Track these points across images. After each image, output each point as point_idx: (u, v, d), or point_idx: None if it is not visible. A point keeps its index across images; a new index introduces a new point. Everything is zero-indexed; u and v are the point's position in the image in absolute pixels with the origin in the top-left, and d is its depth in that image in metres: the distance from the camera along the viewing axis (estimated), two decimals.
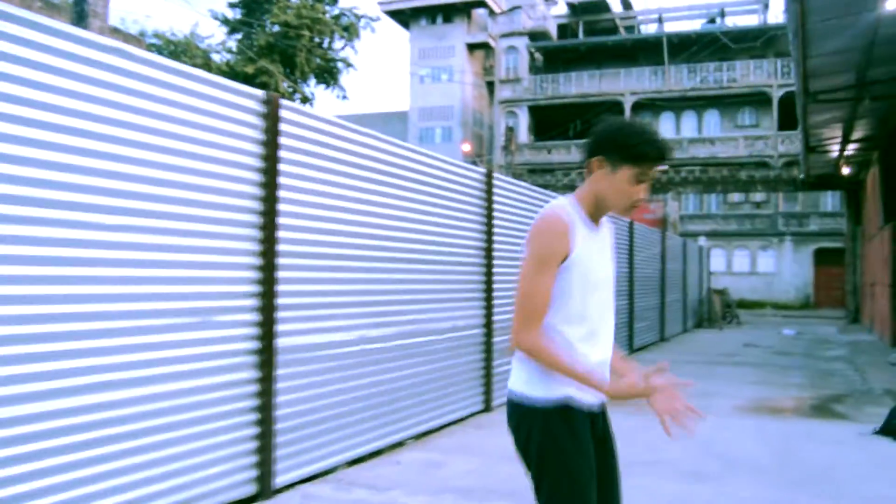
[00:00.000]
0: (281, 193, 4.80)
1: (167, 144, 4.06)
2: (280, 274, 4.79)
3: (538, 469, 2.30)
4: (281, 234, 4.80)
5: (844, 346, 16.14)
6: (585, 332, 2.34)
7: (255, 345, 4.65)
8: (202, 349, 4.29)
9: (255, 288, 4.65)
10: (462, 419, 7.12)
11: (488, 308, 7.57)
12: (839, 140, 18.21)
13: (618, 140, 2.27)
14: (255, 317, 4.64)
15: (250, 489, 4.61)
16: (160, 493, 4.00)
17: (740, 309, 27.14)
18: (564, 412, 2.30)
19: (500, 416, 7.40)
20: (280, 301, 4.79)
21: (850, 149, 19.24)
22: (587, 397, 2.35)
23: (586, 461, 2.30)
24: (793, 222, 37.94)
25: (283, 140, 4.84)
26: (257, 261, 4.65)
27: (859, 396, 9.17)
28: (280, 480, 4.80)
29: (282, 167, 4.82)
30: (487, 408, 7.59)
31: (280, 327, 4.80)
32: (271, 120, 4.73)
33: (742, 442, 6.55)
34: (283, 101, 4.86)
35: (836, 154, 20.12)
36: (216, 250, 4.38)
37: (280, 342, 4.81)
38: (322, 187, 5.23)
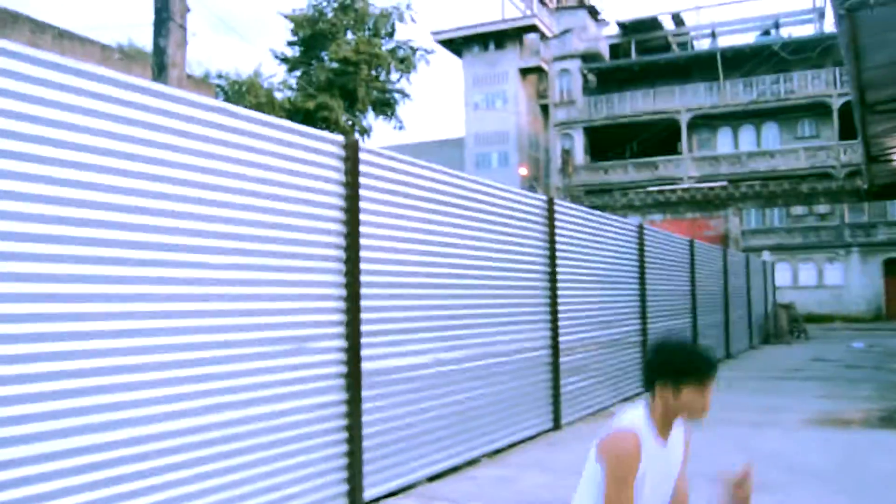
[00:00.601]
0: (362, 230, 5.25)
1: (267, 191, 4.55)
2: (363, 303, 5.22)
3: None
4: (363, 266, 5.23)
5: None
6: None
7: (343, 369, 5.08)
8: (297, 374, 4.73)
9: (342, 317, 5.09)
10: (532, 437, 7.43)
11: (554, 329, 7.90)
12: None
13: (677, 365, 2.50)
14: (342, 343, 5.08)
15: (342, 503, 5.01)
16: None
17: (808, 323, 26.75)
18: None
19: (569, 434, 7.70)
20: (364, 328, 5.22)
21: None
22: None
23: None
24: (859, 233, 37.18)
25: (363, 180, 5.29)
26: (343, 292, 5.10)
27: None
28: (368, 495, 5.19)
29: (363, 205, 5.27)
30: (557, 426, 7.88)
31: (364, 352, 5.22)
32: (352, 162, 5.20)
33: (807, 453, 6.71)
34: (362, 146, 5.33)
35: None
36: (307, 283, 4.84)
37: (365, 366, 5.23)
38: (398, 221, 5.68)
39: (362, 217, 5.27)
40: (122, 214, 3.75)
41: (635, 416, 2.55)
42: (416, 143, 48.03)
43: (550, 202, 8.03)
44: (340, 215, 5.14)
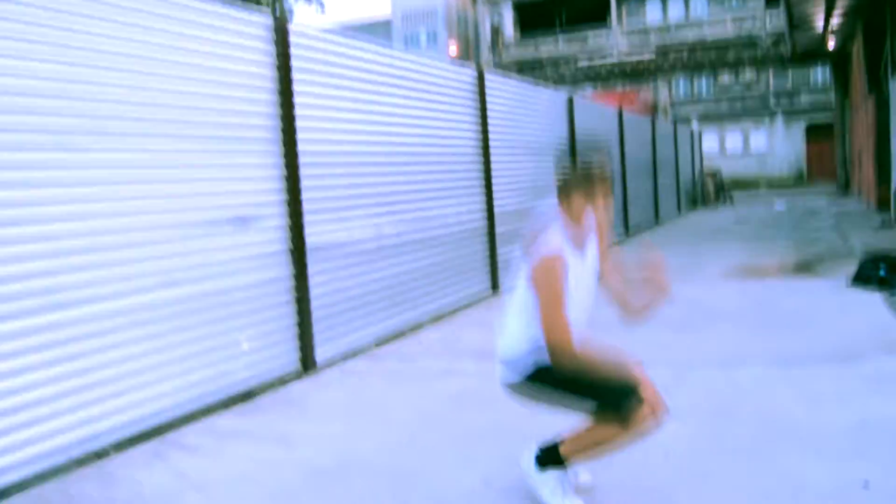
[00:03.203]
0: (297, 111, 5.37)
1: (199, 75, 4.63)
2: (304, 182, 5.40)
3: (553, 386, 2.90)
4: (301, 146, 5.38)
5: (832, 215, 16.82)
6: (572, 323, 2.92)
7: (288, 244, 5.30)
8: (244, 251, 4.95)
9: (283, 196, 5.27)
10: (472, 303, 7.84)
11: (489, 199, 8.21)
12: (823, 12, 18.40)
13: (583, 174, 2.87)
14: (285, 220, 5.28)
15: (296, 366, 5.35)
16: (222, 372, 4.73)
17: (735, 188, 27.78)
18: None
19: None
20: (305, 206, 5.42)
21: (834, 21, 19.43)
22: None
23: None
24: (784, 99, 38.12)
25: (295, 62, 5.38)
26: (283, 172, 5.26)
27: (839, 257, 9.87)
28: (321, 358, 5.53)
29: (296, 87, 5.38)
30: (495, 289, 8.31)
31: (308, 228, 5.44)
32: (282, 43, 5.26)
33: (725, 300, 7.30)
34: (292, 26, 5.38)
35: (821, 27, 20.30)
36: (246, 165, 4.99)
37: (309, 241, 5.45)
38: (332, 101, 5.82)
39: (297, 99, 5.37)
40: (51, 101, 3.80)
41: (555, 237, 2.87)
42: (341, 25, 46.66)
43: (481, 75, 8.17)
44: (274, 97, 5.24)
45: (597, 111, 12.91)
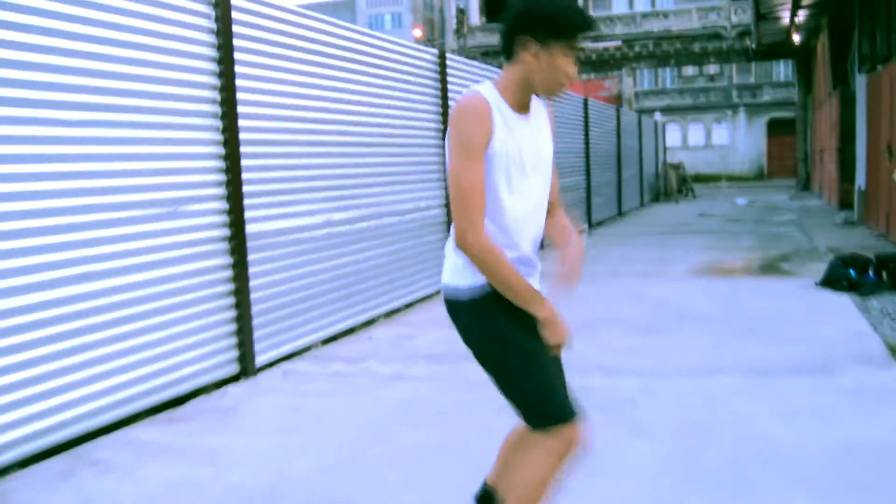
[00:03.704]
0: (239, 83, 4.86)
1: (119, 37, 4.09)
2: (244, 162, 4.91)
3: (484, 357, 2.20)
4: (242, 122, 4.89)
5: (794, 212, 16.74)
6: (510, 228, 2.13)
7: (225, 232, 4.81)
8: (175, 238, 4.45)
9: (221, 177, 4.78)
10: (429, 296, 7.42)
11: (447, 188, 7.76)
12: (789, 6, 18.26)
13: (546, 14, 2.03)
14: (223, 205, 4.79)
15: (233, 368, 4.87)
16: (148, 375, 4.23)
17: (696, 182, 27.71)
18: (493, 294, 2.11)
19: None
20: (246, 189, 4.93)
21: (801, 15, 19.32)
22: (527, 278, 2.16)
23: (528, 333, 2.12)
24: (746, 94, 38.26)
25: (237, 29, 4.86)
26: (220, 150, 4.76)
27: (805, 255, 9.66)
28: (261, 359, 5.06)
29: (238, 56, 4.86)
30: None
31: (248, 214, 4.95)
32: (223, 9, 4.74)
33: (692, 300, 6.97)
34: None
35: (787, 21, 20.19)
36: (178, 141, 4.47)
37: (249, 228, 4.97)
38: (279, 75, 5.31)
39: (238, 69, 4.86)
40: None
41: (481, 86, 2.14)
42: (305, 5, 45.71)
43: (442, 56, 7.72)
44: (214, 67, 4.72)
45: (561, 98, 12.52)
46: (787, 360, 4.87)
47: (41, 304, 3.65)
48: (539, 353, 2.13)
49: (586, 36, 2.12)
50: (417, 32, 41.27)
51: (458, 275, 2.18)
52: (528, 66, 2.07)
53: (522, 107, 2.14)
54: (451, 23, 41.34)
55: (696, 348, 5.26)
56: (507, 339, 2.14)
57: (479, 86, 2.14)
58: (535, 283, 2.22)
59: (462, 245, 2.04)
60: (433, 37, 45.01)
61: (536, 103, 2.23)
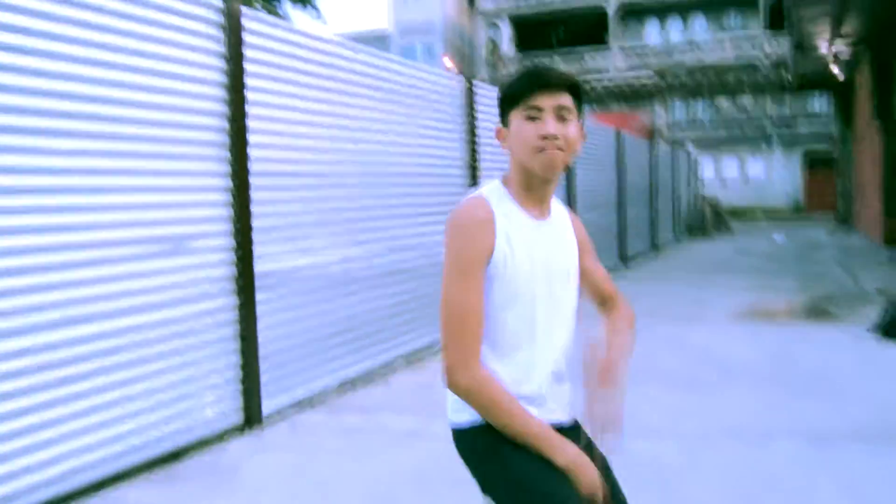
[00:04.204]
0: (250, 110, 4.52)
1: (122, 61, 3.76)
2: (254, 195, 4.55)
3: (494, 496, 1.79)
4: (252, 152, 4.54)
5: (835, 249, 16.09)
6: (521, 360, 1.79)
7: (232, 270, 4.44)
8: (177, 277, 4.09)
9: (228, 212, 4.42)
10: None
11: None
12: (828, 37, 17.76)
13: (500, 95, 1.85)
14: (229, 241, 4.42)
15: (237, 418, 4.48)
16: (143, 427, 3.86)
17: (731, 216, 27.04)
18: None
19: None
20: (256, 224, 4.57)
21: (840, 47, 18.80)
22: (545, 414, 1.79)
23: (554, 471, 1.69)
24: (782, 126, 37.55)
25: (248, 52, 4.53)
26: (228, 183, 4.41)
27: (852, 297, 9.10)
28: (268, 408, 4.66)
29: (249, 81, 4.53)
30: None
31: (257, 251, 4.58)
32: (234, 31, 4.41)
33: (737, 349, 6.46)
34: (245, 10, 4.53)
35: (825, 53, 19.68)
36: (180, 173, 4.13)
37: (258, 267, 4.60)
38: (293, 101, 4.97)
39: (249, 96, 4.52)
40: None
41: (486, 186, 1.86)
42: (339, 36, 45.91)
43: (470, 84, 7.34)
44: (223, 94, 4.39)
45: (594, 130, 12.11)
46: (847, 425, 4.36)
47: (23, 350, 3.29)
48: (569, 498, 1.67)
49: (543, 90, 1.75)
50: (448, 63, 41.26)
51: (459, 410, 1.81)
52: (508, 148, 1.83)
53: (536, 203, 1.84)
54: (483, 53, 41.33)
55: (744, 408, 4.76)
56: (525, 485, 1.69)
57: (486, 186, 1.85)
58: (562, 407, 1.85)
59: (450, 385, 1.73)
60: (464, 67, 44.97)
61: (559, 208, 1.94)
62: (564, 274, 1.86)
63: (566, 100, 1.76)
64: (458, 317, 1.71)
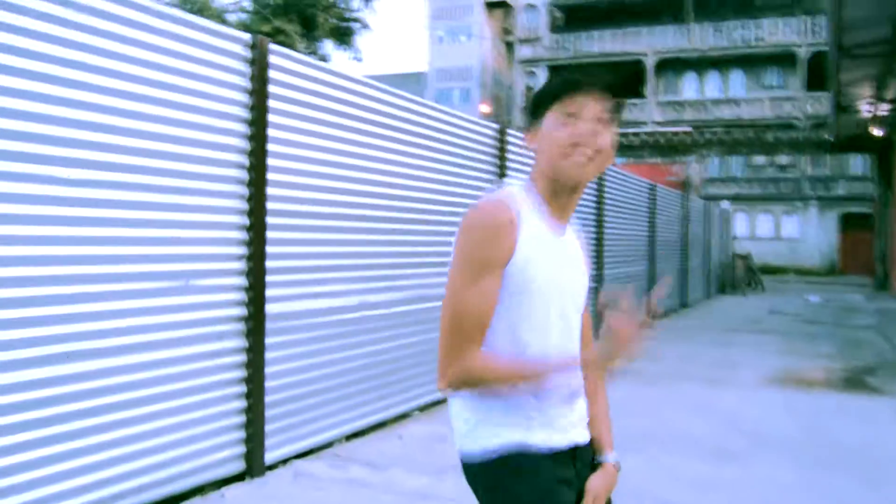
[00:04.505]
0: (271, 147, 4.40)
1: (144, 92, 3.66)
2: (270, 234, 4.40)
3: None
4: (271, 190, 4.40)
5: (873, 315, 15.60)
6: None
7: (242, 311, 4.28)
8: (184, 316, 3.93)
9: (242, 250, 4.27)
10: None
11: None
12: (871, 99, 17.50)
13: (535, 94, 1.77)
14: (241, 280, 4.27)
15: (238, 466, 4.28)
16: (141, 469, 3.68)
17: (764, 274, 26.51)
18: (515, 461, 1.68)
19: None
20: (270, 264, 4.41)
21: (883, 108, 18.51)
22: (553, 437, 1.71)
23: (547, 500, 1.67)
24: (819, 186, 37.04)
25: (272, 89, 4.42)
26: (244, 220, 4.26)
27: (892, 368, 8.72)
28: (271, 457, 4.46)
29: (272, 118, 4.41)
30: None
31: (270, 292, 4.42)
32: (259, 65, 4.31)
33: (770, 417, 6.14)
34: (273, 46, 4.43)
35: (867, 114, 19.40)
36: (199, 208, 3.99)
37: (270, 308, 4.43)
38: (316, 140, 4.82)
39: (271, 132, 4.40)
40: None
41: (510, 187, 1.75)
42: (376, 76, 46.45)
43: (502, 131, 7.20)
44: (245, 129, 4.27)
45: (628, 181, 11.91)
46: None
47: (16, 385, 3.13)
48: None
49: (586, 93, 1.66)
50: (485, 108, 41.48)
51: (468, 436, 1.73)
52: (536, 149, 1.74)
53: (558, 212, 1.75)
54: (520, 100, 41.51)
55: (776, 484, 4.46)
56: None
57: (510, 186, 1.75)
58: (576, 425, 1.79)
59: (440, 388, 1.66)
60: (501, 113, 45.21)
61: (572, 227, 1.84)
62: (579, 294, 1.80)
63: (607, 108, 1.67)
64: (462, 315, 1.63)
